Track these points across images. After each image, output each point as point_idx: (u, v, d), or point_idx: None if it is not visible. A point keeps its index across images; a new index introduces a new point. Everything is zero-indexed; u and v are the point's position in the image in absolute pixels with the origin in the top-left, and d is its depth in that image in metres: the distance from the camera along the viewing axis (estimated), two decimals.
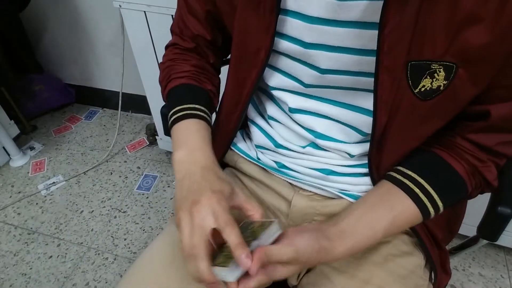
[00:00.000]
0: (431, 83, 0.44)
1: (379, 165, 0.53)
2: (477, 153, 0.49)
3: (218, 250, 0.44)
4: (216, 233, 0.43)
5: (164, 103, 0.72)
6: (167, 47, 0.68)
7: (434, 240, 0.59)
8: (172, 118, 0.58)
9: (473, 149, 0.50)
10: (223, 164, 0.70)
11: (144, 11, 1.17)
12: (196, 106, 0.59)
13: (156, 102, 1.47)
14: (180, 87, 0.62)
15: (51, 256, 1.33)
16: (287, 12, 0.48)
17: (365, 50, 0.45)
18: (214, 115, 0.70)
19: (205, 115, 0.59)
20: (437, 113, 0.47)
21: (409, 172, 0.50)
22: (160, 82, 0.66)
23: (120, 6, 1.19)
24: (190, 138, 0.55)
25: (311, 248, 0.44)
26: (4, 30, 1.61)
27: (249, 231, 0.45)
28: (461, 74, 0.42)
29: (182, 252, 0.44)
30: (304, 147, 0.58)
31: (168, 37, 1.22)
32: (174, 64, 0.64)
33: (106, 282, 1.25)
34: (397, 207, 0.48)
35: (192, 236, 0.42)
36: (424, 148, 0.52)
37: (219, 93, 0.67)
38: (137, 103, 1.85)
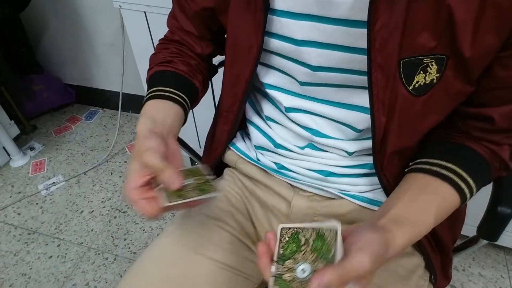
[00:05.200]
0: (424, 78, 0.44)
1: (383, 164, 0.52)
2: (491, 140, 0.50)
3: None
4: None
5: None
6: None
7: (438, 243, 0.58)
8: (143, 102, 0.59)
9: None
10: (223, 165, 0.70)
11: (144, 12, 1.17)
12: (162, 88, 0.58)
13: None
14: (153, 75, 0.62)
15: (51, 256, 1.33)
16: (276, 12, 0.49)
17: (355, 48, 0.46)
18: (214, 116, 0.70)
19: (168, 94, 0.58)
20: (433, 108, 0.47)
21: (439, 161, 0.48)
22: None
23: (120, 6, 1.19)
24: (146, 110, 0.56)
25: (380, 245, 0.37)
26: (4, 30, 1.62)
27: (304, 248, 0.38)
28: (452, 65, 0.43)
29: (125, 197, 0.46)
30: (302, 148, 0.58)
31: None
32: (153, 55, 0.65)
33: (106, 282, 1.25)
34: (440, 190, 0.46)
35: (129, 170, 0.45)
36: (444, 138, 0.51)
37: (205, 74, 0.67)
38: (137, 103, 1.84)
